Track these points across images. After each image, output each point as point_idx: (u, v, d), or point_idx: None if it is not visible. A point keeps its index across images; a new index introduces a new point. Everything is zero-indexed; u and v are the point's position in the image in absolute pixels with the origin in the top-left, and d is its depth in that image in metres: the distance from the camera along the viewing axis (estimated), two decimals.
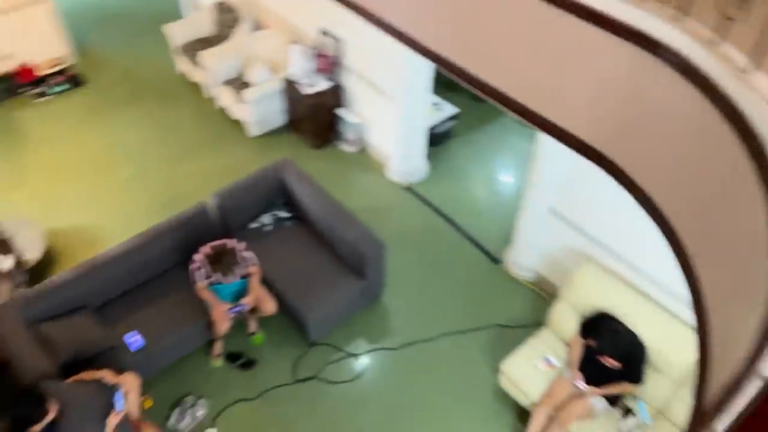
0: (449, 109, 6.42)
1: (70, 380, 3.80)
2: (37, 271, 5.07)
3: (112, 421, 3.64)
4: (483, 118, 6.84)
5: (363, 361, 4.76)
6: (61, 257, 5.42)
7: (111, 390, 3.76)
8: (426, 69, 5.39)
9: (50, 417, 3.43)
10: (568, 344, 4.36)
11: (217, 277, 4.21)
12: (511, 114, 2.61)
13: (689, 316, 3.67)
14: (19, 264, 4.85)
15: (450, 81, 6.95)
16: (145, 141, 6.63)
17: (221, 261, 4.10)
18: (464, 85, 2.71)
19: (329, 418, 4.42)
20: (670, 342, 3.92)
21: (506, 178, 6.31)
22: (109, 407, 3.67)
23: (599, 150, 2.42)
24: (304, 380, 4.62)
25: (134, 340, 4.33)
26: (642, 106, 2.07)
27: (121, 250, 4.48)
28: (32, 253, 5.08)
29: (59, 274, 4.41)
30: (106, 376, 3.84)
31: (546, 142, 4.34)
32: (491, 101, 2.64)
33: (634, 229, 4.15)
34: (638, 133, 2.15)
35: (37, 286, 4.37)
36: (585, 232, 4.54)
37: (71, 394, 3.63)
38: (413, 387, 4.60)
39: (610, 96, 2.19)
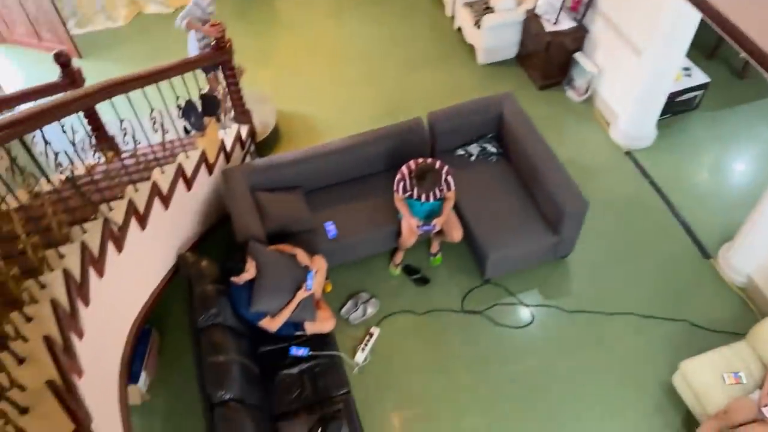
0: (700, 78, 5.73)
1: (271, 248, 4.26)
2: (264, 145, 5.65)
3: (300, 295, 4.05)
4: (737, 97, 6.03)
5: (532, 313, 4.70)
6: (285, 138, 5.96)
7: (302, 269, 4.16)
8: (689, 28, 4.80)
9: (250, 275, 3.91)
10: (766, 366, 3.90)
11: (416, 192, 4.35)
12: None
13: None
14: (252, 135, 5.42)
15: (710, 47, 6.22)
16: (379, 45, 6.87)
17: (425, 178, 4.20)
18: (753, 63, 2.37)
19: (485, 355, 4.49)
20: None
21: (743, 168, 5.57)
22: (299, 282, 4.08)
23: None
24: (470, 312, 4.71)
25: (330, 229, 4.70)
26: None
27: (340, 144, 4.80)
28: (264, 128, 5.64)
29: (283, 153, 4.87)
30: (300, 254, 4.23)
31: None
32: None
33: None
34: None
35: (263, 159, 4.89)
36: None
37: (271, 259, 4.07)
38: (576, 355, 4.46)
39: None
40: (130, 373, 4.07)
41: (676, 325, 4.55)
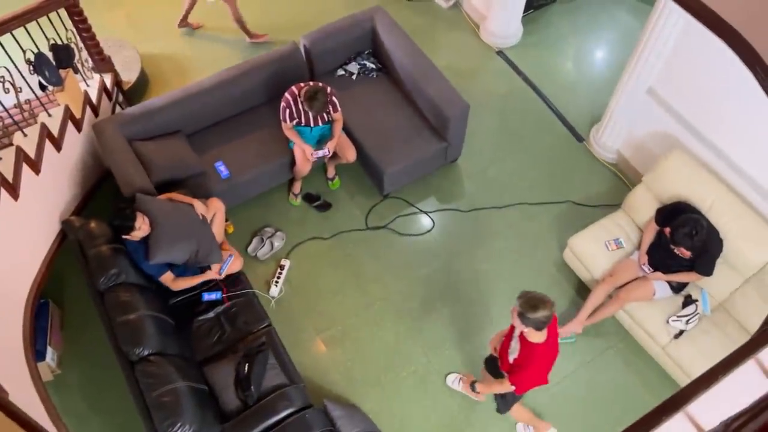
0: None
1: (163, 196, 4.09)
2: (133, 93, 5.30)
3: (210, 275, 4.02)
4: None
5: (432, 219, 4.90)
6: (154, 82, 5.61)
7: (202, 221, 4.03)
8: None
9: (143, 231, 3.75)
10: (641, 229, 4.35)
11: (309, 115, 4.30)
12: None
13: None
14: (117, 83, 5.06)
15: None
16: None
17: (316, 98, 4.10)
18: None
19: (394, 265, 4.67)
20: (750, 240, 3.86)
21: (603, 53, 5.95)
22: (198, 228, 3.96)
23: (735, 29, 2.26)
24: (374, 228, 4.83)
25: (221, 169, 4.57)
26: None
27: (216, 79, 4.58)
28: (129, 75, 5.27)
29: (156, 98, 4.60)
30: (197, 205, 4.07)
31: (660, 15, 4.02)
32: None
33: (738, 120, 3.96)
34: None
35: (134, 107, 4.60)
36: (681, 118, 4.33)
37: (164, 209, 3.92)
38: (478, 249, 4.75)
39: None
40: (35, 351, 3.89)
41: (561, 206, 4.93)
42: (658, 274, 4.05)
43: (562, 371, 4.18)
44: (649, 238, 4.17)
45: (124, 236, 3.78)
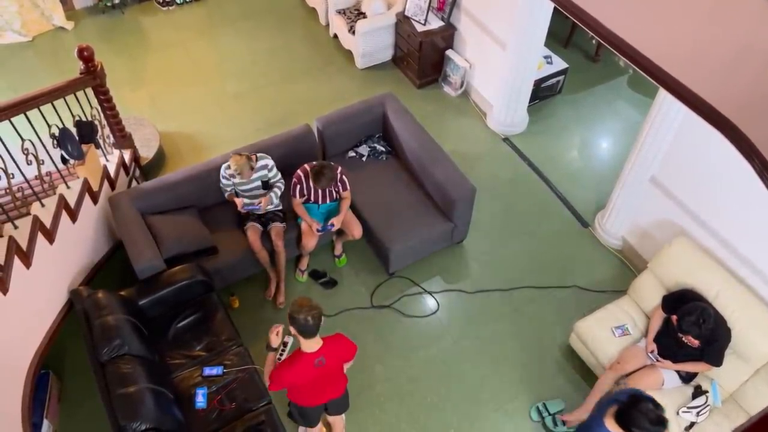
0: (560, 64, 6.24)
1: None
2: (150, 168, 5.47)
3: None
4: (593, 79, 6.62)
5: (437, 299, 4.90)
6: (170, 159, 5.79)
7: None
8: (543, 20, 5.23)
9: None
10: (647, 315, 4.32)
11: (313, 190, 4.41)
12: (642, 74, 2.54)
13: None
14: (135, 159, 5.24)
15: (565, 36, 6.79)
16: (257, 59, 6.85)
17: (323, 173, 4.22)
18: (602, 42, 2.64)
19: (398, 346, 4.63)
20: (758, 330, 3.81)
21: (607, 142, 6.13)
22: None
23: (731, 121, 2.34)
24: (379, 307, 4.83)
25: None
26: None
27: (228, 157, 4.71)
28: (148, 151, 5.47)
29: (170, 173, 4.75)
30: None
31: (661, 108, 4.18)
32: (622, 60, 2.58)
33: (739, 208, 4.01)
34: None
35: (149, 182, 4.74)
36: (684, 206, 4.40)
37: None
38: (482, 331, 4.71)
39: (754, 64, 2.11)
40: (32, 423, 3.82)
41: (567, 291, 4.92)
42: (667, 362, 3.98)
43: None
44: (656, 325, 4.13)
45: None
